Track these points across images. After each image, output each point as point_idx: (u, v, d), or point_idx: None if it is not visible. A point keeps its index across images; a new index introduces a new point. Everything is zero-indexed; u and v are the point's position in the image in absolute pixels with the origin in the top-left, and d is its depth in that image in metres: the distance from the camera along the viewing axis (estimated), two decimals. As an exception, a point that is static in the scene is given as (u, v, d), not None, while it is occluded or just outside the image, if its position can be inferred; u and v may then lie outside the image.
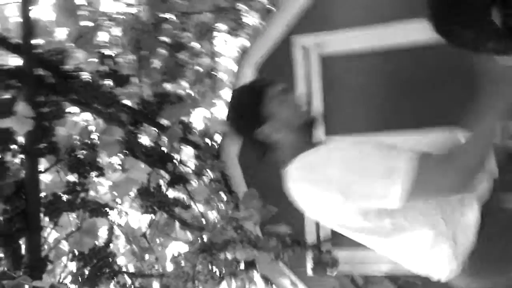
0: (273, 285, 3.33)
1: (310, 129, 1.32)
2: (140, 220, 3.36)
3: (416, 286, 2.64)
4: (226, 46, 4.71)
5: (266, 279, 3.31)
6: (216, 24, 4.50)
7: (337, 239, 3.04)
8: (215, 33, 4.53)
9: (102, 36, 3.63)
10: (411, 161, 1.05)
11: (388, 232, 1.18)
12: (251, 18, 4.83)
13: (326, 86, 3.35)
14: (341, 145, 1.18)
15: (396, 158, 1.07)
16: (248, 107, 1.32)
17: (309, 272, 2.99)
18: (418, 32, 2.83)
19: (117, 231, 3.23)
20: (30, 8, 3.00)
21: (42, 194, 2.79)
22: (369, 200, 1.08)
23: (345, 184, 1.09)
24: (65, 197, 2.78)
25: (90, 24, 3.54)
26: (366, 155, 1.11)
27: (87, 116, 3.27)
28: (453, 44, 1.08)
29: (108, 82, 3.26)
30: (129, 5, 3.81)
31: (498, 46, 1.01)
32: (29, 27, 2.95)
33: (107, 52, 3.46)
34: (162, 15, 4.17)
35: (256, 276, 3.26)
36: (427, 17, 1.11)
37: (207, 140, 3.31)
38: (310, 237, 3.04)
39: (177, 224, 3.22)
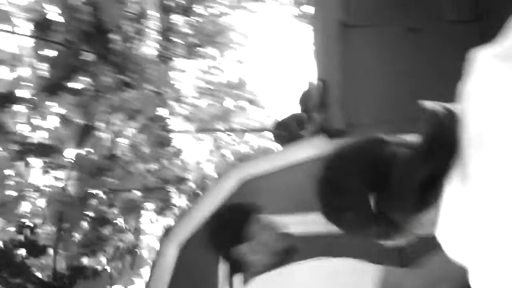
0: None
1: (285, 256, 1.39)
2: None
3: None
4: (152, 224, 4.76)
5: None
6: (144, 203, 4.61)
7: None
8: (142, 211, 4.60)
9: (25, 206, 3.59)
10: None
11: None
12: (179, 200, 5.00)
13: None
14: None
15: None
16: (232, 224, 1.41)
17: None
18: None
19: None
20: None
21: None
22: None
23: None
24: None
25: (14, 193, 3.53)
26: None
27: (-9, 286, 3.04)
28: (343, 230, 1.19)
29: (22, 252, 3.14)
30: (57, 178, 3.88)
31: (380, 230, 1.11)
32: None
33: (27, 222, 3.40)
34: (90, 190, 4.25)
35: None
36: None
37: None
38: None
39: None
